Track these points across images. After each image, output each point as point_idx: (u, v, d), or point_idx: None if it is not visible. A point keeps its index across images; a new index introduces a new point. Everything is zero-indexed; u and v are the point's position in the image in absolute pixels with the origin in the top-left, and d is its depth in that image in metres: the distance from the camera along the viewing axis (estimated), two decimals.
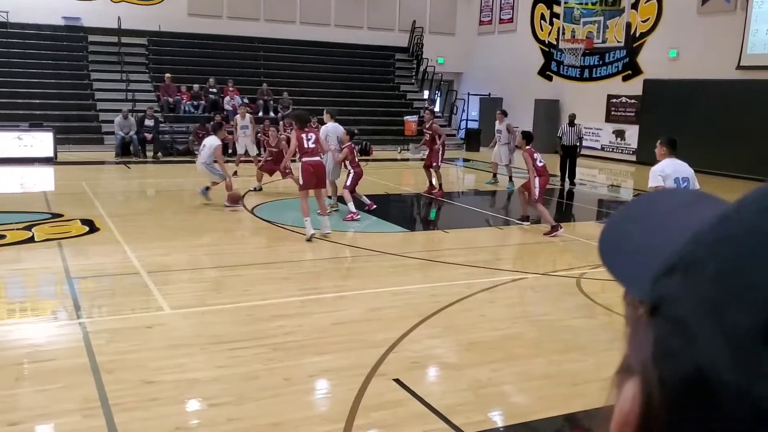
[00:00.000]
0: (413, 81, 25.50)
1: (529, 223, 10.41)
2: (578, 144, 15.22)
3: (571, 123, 15.18)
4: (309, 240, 8.77)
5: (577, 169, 15.54)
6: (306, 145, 8.93)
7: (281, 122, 15.25)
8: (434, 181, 12.98)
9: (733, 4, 17.14)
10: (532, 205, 9.96)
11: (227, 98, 20.24)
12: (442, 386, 4.80)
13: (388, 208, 12.11)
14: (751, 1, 16.56)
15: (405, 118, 22.26)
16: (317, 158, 9.05)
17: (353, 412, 4.17)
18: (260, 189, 12.88)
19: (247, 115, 15.55)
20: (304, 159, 8.99)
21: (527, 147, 9.86)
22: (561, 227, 9.75)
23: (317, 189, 9.20)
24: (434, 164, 12.92)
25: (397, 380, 4.62)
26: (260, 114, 19.89)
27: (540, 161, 9.86)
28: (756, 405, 0.32)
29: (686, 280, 0.37)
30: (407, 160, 19.33)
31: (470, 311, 6.31)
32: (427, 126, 13.35)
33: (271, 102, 21.03)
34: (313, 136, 9.09)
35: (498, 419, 4.38)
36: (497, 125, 14.87)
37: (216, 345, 5.19)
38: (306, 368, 4.83)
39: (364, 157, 13.53)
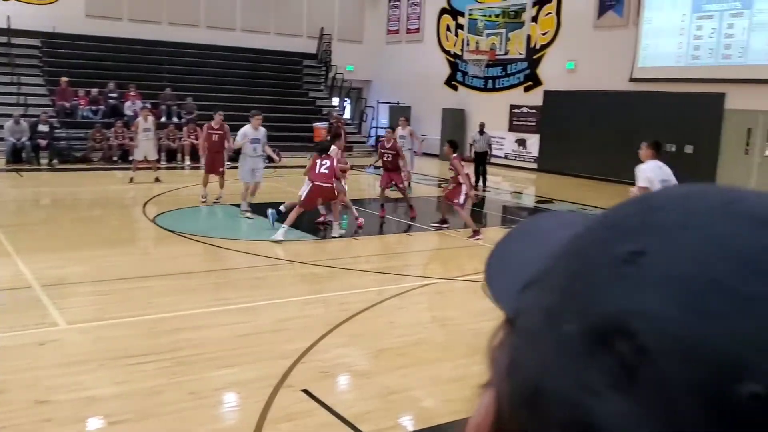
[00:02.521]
0: (322, 88, 25.46)
1: (447, 225, 10.69)
2: (488, 151, 16.59)
3: (481, 131, 16.60)
4: (276, 242, 9.28)
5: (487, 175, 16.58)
6: (317, 170, 9.76)
7: (185, 127, 14.87)
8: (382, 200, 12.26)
9: (626, 19, 18.06)
10: (457, 210, 10.27)
11: (128, 103, 19.55)
12: (351, 395, 4.79)
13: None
14: (642, 17, 17.51)
15: (314, 124, 22.18)
16: (328, 184, 9.79)
17: (260, 425, 4.09)
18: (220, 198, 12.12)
19: (150, 117, 15.04)
20: (315, 182, 9.75)
21: (455, 155, 10.24)
22: (481, 233, 10.15)
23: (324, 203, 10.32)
24: (400, 185, 12.03)
25: (305, 390, 4.57)
26: (163, 119, 19.34)
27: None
28: (583, 418, 0.31)
29: (537, 292, 0.37)
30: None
31: (380, 318, 6.33)
32: (389, 146, 12.24)
33: (175, 107, 20.48)
34: (328, 163, 9.84)
35: (407, 424, 4.41)
36: (400, 131, 15.13)
37: (116, 360, 4.98)
38: (212, 381, 4.71)
39: (272, 165, 13.34)
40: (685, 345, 0.30)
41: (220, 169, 12.04)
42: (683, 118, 16.41)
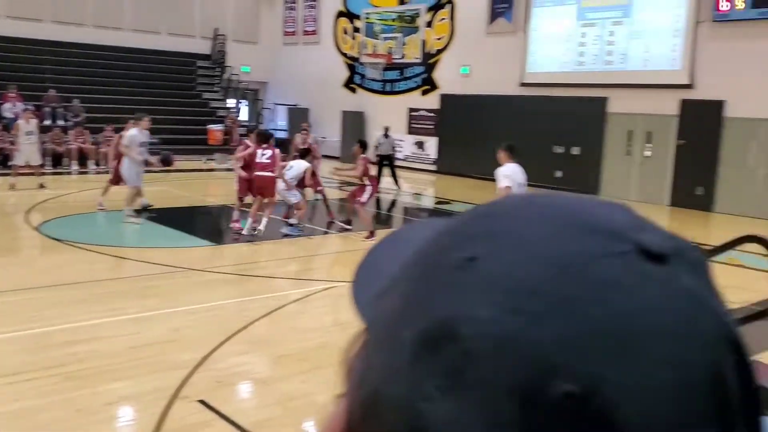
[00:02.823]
0: (217, 89, 24.93)
1: (350, 228, 10.69)
2: (393, 153, 17.08)
3: (386, 134, 17.17)
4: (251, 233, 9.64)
5: (384, 179, 16.68)
6: (258, 159, 9.84)
7: (71, 131, 14.16)
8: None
9: (515, 26, 18.70)
10: (358, 209, 10.27)
11: (8, 105, 18.41)
12: (251, 403, 4.70)
13: (193, 221, 11.70)
14: (530, 24, 18.19)
15: (209, 127, 21.69)
16: (269, 173, 9.81)
17: None
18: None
19: (32, 120, 14.21)
20: (256, 171, 9.88)
21: (363, 155, 10.34)
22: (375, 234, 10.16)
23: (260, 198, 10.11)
24: (318, 188, 11.51)
25: (201, 401, 4.45)
26: (47, 122, 18.36)
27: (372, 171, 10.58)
28: (416, 423, 0.33)
29: (385, 300, 0.38)
30: (213, 170, 18.84)
31: (280, 324, 6.26)
32: (303, 147, 11.80)
33: (60, 110, 19.48)
34: (269, 152, 9.88)
35: (309, 430, 4.37)
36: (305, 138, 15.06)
37: None
38: (102, 396, 4.50)
39: (166, 168, 12.93)
40: (504, 347, 0.32)
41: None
42: (570, 121, 17.17)
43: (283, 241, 10.18)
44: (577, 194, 0.39)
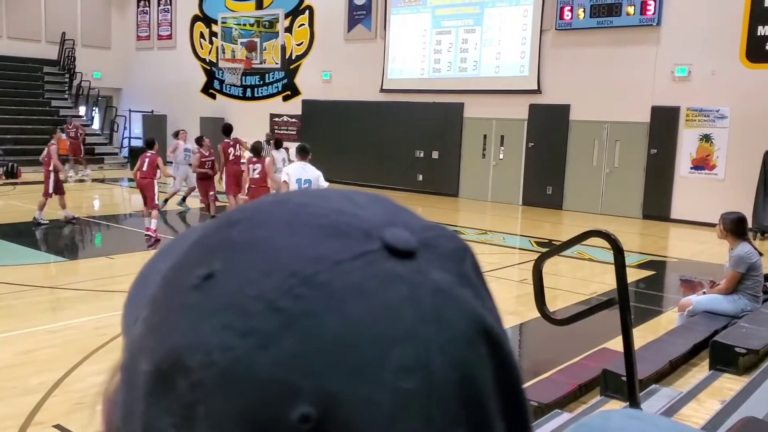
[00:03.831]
0: (66, 96, 23.55)
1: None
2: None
3: (269, 143, 16.65)
4: None
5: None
6: (250, 175, 10.14)
7: None
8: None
9: (374, 33, 19.06)
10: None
11: None
12: None
13: (44, 236, 11.02)
14: (388, 31, 18.62)
15: (60, 136, 20.40)
16: (264, 187, 10.03)
17: None
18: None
19: None
20: (251, 186, 10.18)
21: (226, 140, 10.95)
22: None
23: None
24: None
25: (58, 426, 4.22)
26: None
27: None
28: None
29: (135, 327, 0.34)
30: (65, 181, 17.74)
31: None
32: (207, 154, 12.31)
33: None
34: (260, 167, 10.01)
35: None
36: (183, 144, 14.71)
37: None
38: None
39: (11, 181, 12.05)
40: (233, 374, 0.29)
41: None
42: (429, 126, 17.74)
43: (141, 253, 9.80)
44: (337, 190, 0.36)
